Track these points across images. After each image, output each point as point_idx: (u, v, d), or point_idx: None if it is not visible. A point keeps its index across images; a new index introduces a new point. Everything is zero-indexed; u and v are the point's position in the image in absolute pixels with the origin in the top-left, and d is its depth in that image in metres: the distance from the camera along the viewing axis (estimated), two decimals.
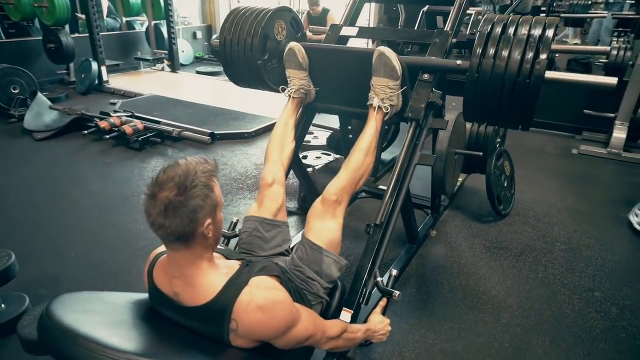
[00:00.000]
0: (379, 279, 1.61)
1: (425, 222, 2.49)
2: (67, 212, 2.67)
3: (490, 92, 1.54)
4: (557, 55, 3.92)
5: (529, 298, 1.99)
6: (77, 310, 1.12)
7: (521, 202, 2.85)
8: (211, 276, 1.11)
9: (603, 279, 2.13)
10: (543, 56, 1.46)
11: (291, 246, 1.66)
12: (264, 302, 1.11)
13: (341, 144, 2.67)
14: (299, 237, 1.61)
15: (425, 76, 1.76)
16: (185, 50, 7.43)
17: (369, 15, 6.79)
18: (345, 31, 2.11)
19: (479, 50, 1.54)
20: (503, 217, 2.67)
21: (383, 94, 1.63)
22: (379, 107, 1.64)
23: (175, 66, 6.73)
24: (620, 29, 4.37)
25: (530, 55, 1.47)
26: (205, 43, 8.26)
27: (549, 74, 1.47)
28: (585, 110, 3.91)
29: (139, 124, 3.79)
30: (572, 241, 2.45)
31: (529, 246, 2.40)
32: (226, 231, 1.92)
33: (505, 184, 2.70)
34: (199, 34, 8.19)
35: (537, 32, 1.50)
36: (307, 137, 3.83)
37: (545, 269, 2.21)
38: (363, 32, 2.15)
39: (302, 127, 2.00)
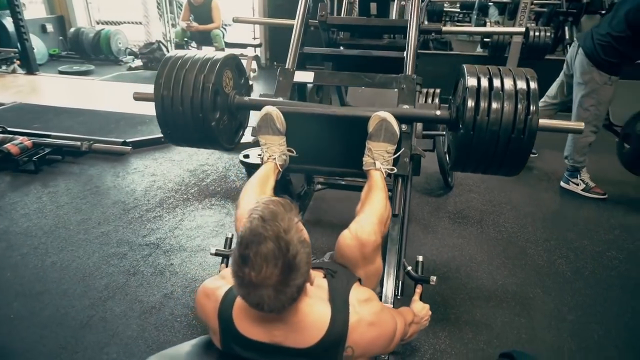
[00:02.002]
0: (408, 268, 1.65)
1: None
2: None
3: (485, 148, 1.46)
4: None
5: (508, 257, 2.24)
6: None
7: (457, 173, 3.14)
8: (315, 311, 1.00)
9: (551, 230, 2.50)
10: (533, 108, 1.40)
11: None
12: (371, 317, 1.06)
13: None
14: None
15: (404, 127, 1.65)
16: (36, 47, 6.29)
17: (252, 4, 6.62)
18: (300, 77, 1.90)
19: (471, 108, 1.43)
20: (451, 189, 2.91)
21: (382, 158, 1.54)
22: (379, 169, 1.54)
23: (31, 67, 5.69)
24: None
25: (522, 110, 1.40)
26: (60, 38, 7.11)
27: (541, 123, 1.43)
28: None
29: (26, 141, 3.13)
30: (513, 201, 2.81)
31: (483, 211, 2.67)
32: (223, 250, 1.75)
33: (449, 160, 2.95)
34: (49, 27, 7.00)
35: (522, 84, 1.44)
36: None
37: (506, 229, 2.50)
38: (320, 77, 1.94)
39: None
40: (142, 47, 6.40)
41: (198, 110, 1.58)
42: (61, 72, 6.03)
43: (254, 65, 6.19)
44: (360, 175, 1.66)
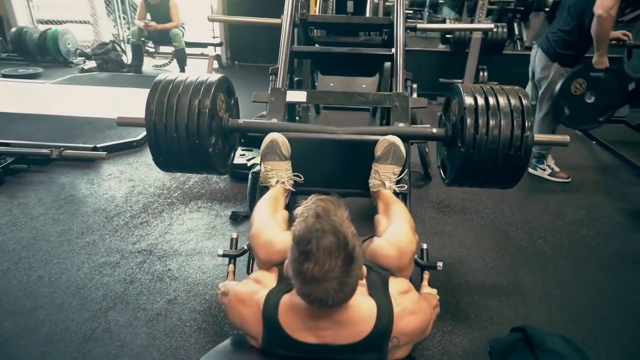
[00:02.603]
0: (415, 256, 1.72)
1: None
2: None
3: (484, 165, 1.51)
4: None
5: (493, 241, 2.38)
6: None
7: (433, 166, 3.27)
8: (361, 305, 1.05)
9: (527, 213, 2.68)
10: (528, 124, 1.46)
11: None
12: (413, 306, 1.12)
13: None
14: None
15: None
16: None
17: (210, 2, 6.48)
18: (292, 97, 1.90)
19: (471, 126, 1.48)
20: (430, 180, 3.03)
21: (389, 180, 1.58)
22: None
23: None
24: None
25: (518, 127, 1.46)
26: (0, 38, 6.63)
27: (536, 139, 1.49)
28: (440, 79, 4.63)
29: None
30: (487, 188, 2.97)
31: (464, 199, 2.81)
32: (230, 250, 1.75)
33: (427, 151, 3.07)
34: None
35: (516, 102, 1.50)
36: None
37: (487, 214, 2.65)
38: (313, 97, 1.97)
39: None
40: (95, 47, 6.10)
41: (194, 137, 1.53)
42: (5, 76, 5.61)
43: (216, 64, 6.09)
44: (364, 195, 1.70)
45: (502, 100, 1.50)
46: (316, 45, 2.83)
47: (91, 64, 6.09)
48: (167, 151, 1.57)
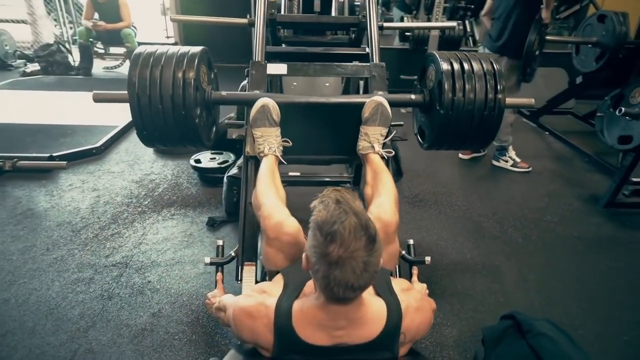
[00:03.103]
0: (402, 252, 1.76)
1: None
2: None
3: (462, 126, 1.60)
4: None
5: (468, 232, 2.47)
6: None
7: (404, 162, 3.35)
8: (373, 304, 1.06)
9: (495, 203, 2.80)
10: (500, 87, 1.56)
11: None
12: (417, 303, 1.14)
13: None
14: None
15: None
16: None
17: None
18: (273, 69, 1.89)
19: (449, 90, 1.56)
20: (402, 175, 3.10)
21: (377, 141, 1.60)
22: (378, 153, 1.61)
23: None
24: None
25: (491, 89, 1.55)
26: None
27: (507, 102, 1.61)
28: (401, 76, 4.72)
29: None
30: (458, 181, 3.08)
31: (436, 193, 2.89)
32: (217, 258, 1.71)
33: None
34: None
35: (488, 66, 1.59)
36: None
37: (459, 207, 2.74)
38: (294, 69, 1.94)
39: None
40: (38, 49, 5.71)
41: (180, 108, 1.52)
42: None
43: None
44: (351, 160, 1.75)
45: (476, 65, 1.60)
46: (283, 45, 2.81)
47: (34, 66, 5.68)
48: (152, 124, 1.54)
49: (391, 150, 1.65)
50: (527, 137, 3.94)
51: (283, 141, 1.61)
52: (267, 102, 1.55)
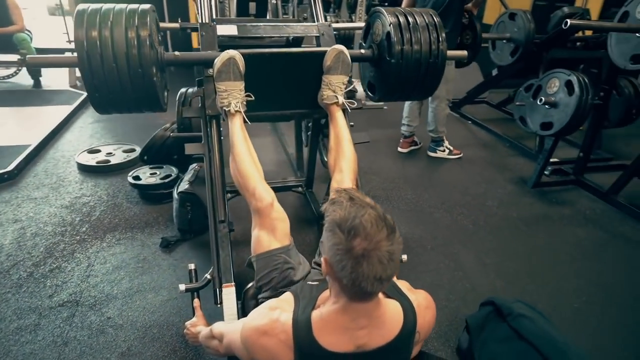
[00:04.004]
0: None
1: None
2: None
3: (411, 74, 1.76)
4: None
5: (424, 224, 2.58)
6: None
7: None
8: (388, 304, 1.08)
9: (441, 193, 2.95)
10: (442, 37, 1.79)
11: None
12: (425, 301, 1.18)
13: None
14: None
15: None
16: None
17: None
18: (223, 30, 1.92)
19: (398, 41, 1.70)
20: None
21: (340, 90, 1.71)
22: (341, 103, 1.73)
23: None
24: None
25: (434, 39, 1.76)
26: None
27: (449, 54, 1.82)
28: None
29: None
30: (403, 175, 3.20)
31: (385, 188, 2.98)
32: (193, 284, 1.62)
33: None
34: None
35: (430, 19, 1.80)
36: (98, 156, 3.17)
37: (410, 200, 2.85)
38: (244, 30, 1.96)
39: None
40: None
41: (137, 66, 1.48)
42: None
43: (78, 73, 5.35)
44: (313, 113, 1.87)
45: (419, 18, 1.76)
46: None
47: None
48: (106, 86, 1.49)
49: (353, 102, 1.74)
50: (453, 127, 4.20)
51: (246, 96, 1.63)
52: (233, 54, 1.56)
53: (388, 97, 1.93)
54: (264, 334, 1.04)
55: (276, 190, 2.57)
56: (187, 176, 2.47)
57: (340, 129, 1.69)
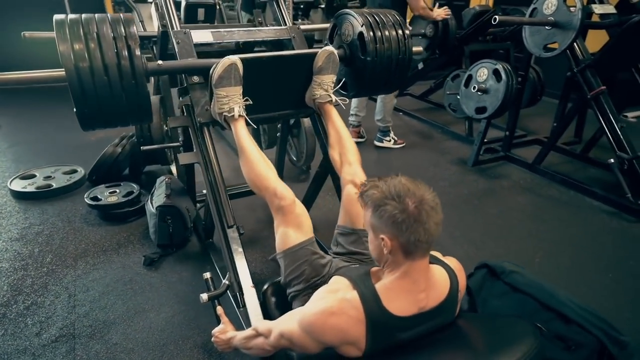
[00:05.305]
0: None
1: None
2: None
3: (385, 70, 1.88)
4: None
5: None
6: None
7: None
8: (433, 268, 1.19)
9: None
10: (407, 33, 1.94)
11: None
12: (457, 264, 1.33)
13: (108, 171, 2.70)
14: None
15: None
16: None
17: None
18: (199, 37, 1.90)
19: (372, 40, 1.82)
20: (309, 169, 3.24)
21: (331, 89, 1.80)
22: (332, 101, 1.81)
23: None
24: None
25: (402, 36, 1.91)
26: None
27: (414, 49, 2.01)
28: None
29: None
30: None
31: None
32: (214, 291, 1.61)
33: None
34: None
35: (395, 17, 1.95)
36: (35, 181, 2.90)
37: None
38: (218, 36, 1.96)
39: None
40: None
41: (130, 77, 1.46)
42: None
43: None
44: (301, 113, 1.95)
45: (385, 18, 1.90)
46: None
47: None
48: (97, 100, 1.44)
49: (345, 99, 1.85)
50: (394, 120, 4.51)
51: (244, 100, 1.65)
52: (235, 60, 1.56)
53: (361, 93, 2.07)
54: (332, 315, 1.08)
55: (246, 194, 2.63)
56: (160, 190, 2.38)
57: (339, 125, 1.78)
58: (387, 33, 1.87)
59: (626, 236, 2.54)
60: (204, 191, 2.77)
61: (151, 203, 2.30)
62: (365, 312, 1.06)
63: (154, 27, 3.12)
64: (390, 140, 3.74)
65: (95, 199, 2.55)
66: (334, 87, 1.84)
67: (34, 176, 2.97)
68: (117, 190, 2.64)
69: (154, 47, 2.69)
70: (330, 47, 1.76)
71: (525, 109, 4.05)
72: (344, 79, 2.02)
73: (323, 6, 6.64)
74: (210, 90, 1.64)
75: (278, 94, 1.84)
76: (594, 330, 1.41)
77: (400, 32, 1.91)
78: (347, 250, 1.56)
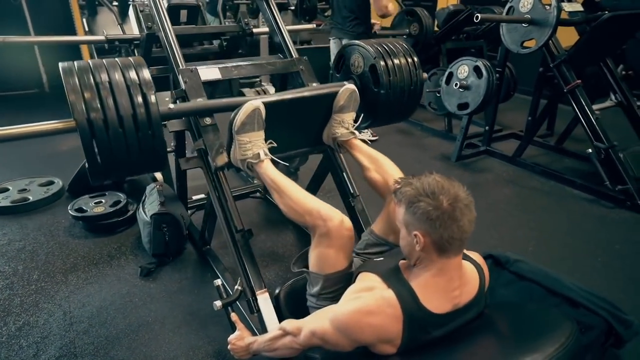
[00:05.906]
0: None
1: None
2: None
3: (397, 101, 1.86)
4: None
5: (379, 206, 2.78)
6: None
7: None
8: (465, 264, 1.22)
9: None
10: (417, 62, 1.90)
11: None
12: (481, 259, 1.36)
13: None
14: None
15: None
16: None
17: None
18: (207, 74, 1.78)
19: (386, 72, 1.81)
20: (296, 171, 3.21)
21: (352, 127, 1.71)
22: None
23: None
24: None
25: (412, 66, 1.87)
26: None
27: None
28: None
29: None
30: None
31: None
32: (227, 298, 1.58)
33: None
34: None
35: (404, 47, 1.90)
36: (10, 195, 2.74)
37: (363, 186, 3.03)
38: (226, 72, 1.86)
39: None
40: None
41: (146, 127, 1.38)
42: None
43: None
44: (322, 149, 1.90)
45: (395, 48, 1.88)
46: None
47: None
48: (110, 152, 1.35)
49: (375, 134, 1.79)
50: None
51: (268, 143, 1.56)
52: (258, 104, 1.48)
53: (374, 124, 1.97)
54: (369, 314, 1.08)
55: (239, 197, 2.57)
56: (152, 197, 2.29)
57: (366, 149, 1.69)
58: (398, 62, 1.83)
59: (608, 221, 2.66)
60: (194, 197, 2.71)
61: (144, 211, 2.21)
62: (402, 309, 1.06)
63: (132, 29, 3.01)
64: (366, 134, 3.77)
65: (80, 210, 2.43)
66: (357, 122, 1.74)
67: (6, 190, 2.80)
68: (103, 201, 2.52)
69: (136, 51, 2.59)
70: (351, 85, 1.68)
71: (499, 104, 4.18)
72: (362, 115, 1.87)
73: (293, 8, 6.63)
74: (229, 136, 1.55)
75: (295, 132, 1.75)
76: (600, 312, 1.45)
77: (410, 60, 1.88)
78: (367, 252, 1.56)
